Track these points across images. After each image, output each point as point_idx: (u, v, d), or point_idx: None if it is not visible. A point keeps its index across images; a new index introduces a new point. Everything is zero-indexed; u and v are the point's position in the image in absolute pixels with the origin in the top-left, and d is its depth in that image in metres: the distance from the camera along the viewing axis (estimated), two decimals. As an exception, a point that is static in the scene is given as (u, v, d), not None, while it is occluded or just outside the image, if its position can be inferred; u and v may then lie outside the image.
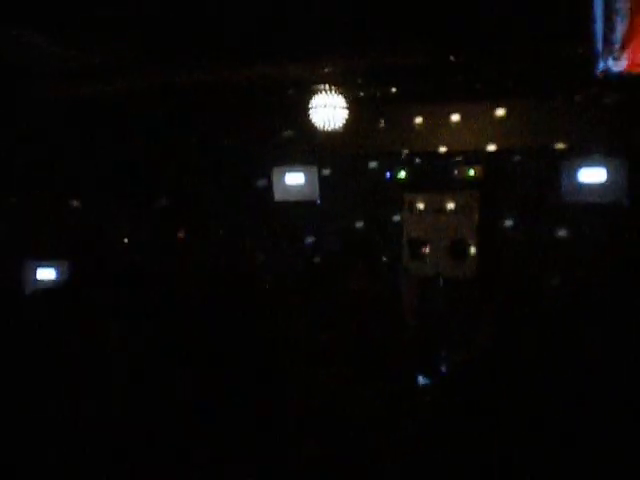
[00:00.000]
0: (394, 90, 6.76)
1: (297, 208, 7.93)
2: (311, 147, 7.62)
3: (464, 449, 1.41)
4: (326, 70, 5.97)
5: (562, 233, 6.96)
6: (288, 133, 7.95)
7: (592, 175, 6.91)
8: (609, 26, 3.27)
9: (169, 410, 1.36)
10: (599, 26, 3.32)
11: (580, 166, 6.94)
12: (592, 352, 1.06)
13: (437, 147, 7.49)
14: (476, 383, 1.52)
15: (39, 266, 6.46)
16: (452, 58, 5.31)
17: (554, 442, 1.52)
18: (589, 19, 3.41)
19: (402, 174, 7.65)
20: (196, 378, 1.30)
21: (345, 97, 6.60)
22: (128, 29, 5.33)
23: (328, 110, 6.60)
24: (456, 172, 7.43)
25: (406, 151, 7.67)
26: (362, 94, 6.82)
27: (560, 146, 6.97)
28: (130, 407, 1.64)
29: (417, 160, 7.67)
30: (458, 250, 7.40)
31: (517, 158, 7.24)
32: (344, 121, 6.70)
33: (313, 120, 6.70)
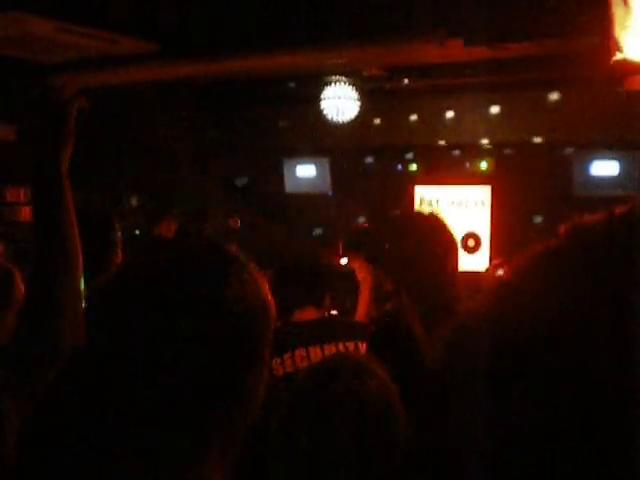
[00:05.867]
0: (406, 82, 6.73)
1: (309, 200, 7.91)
2: (323, 139, 7.60)
3: None
4: (338, 61, 5.95)
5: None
6: (299, 125, 7.93)
7: (605, 168, 6.88)
8: (627, 10, 3.24)
9: None
10: (616, 11, 3.28)
11: (593, 159, 6.91)
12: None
13: (449, 139, 7.45)
14: None
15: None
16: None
17: None
18: (605, 4, 3.37)
19: (413, 167, 7.62)
20: None
21: (356, 89, 6.58)
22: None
23: (340, 101, 6.59)
24: (468, 165, 7.40)
25: (418, 143, 7.63)
26: (374, 86, 6.80)
27: (572, 139, 6.93)
28: None
29: (428, 153, 7.63)
30: (470, 243, 7.37)
31: (529, 151, 7.20)
32: (355, 113, 6.68)
33: (325, 112, 6.68)
